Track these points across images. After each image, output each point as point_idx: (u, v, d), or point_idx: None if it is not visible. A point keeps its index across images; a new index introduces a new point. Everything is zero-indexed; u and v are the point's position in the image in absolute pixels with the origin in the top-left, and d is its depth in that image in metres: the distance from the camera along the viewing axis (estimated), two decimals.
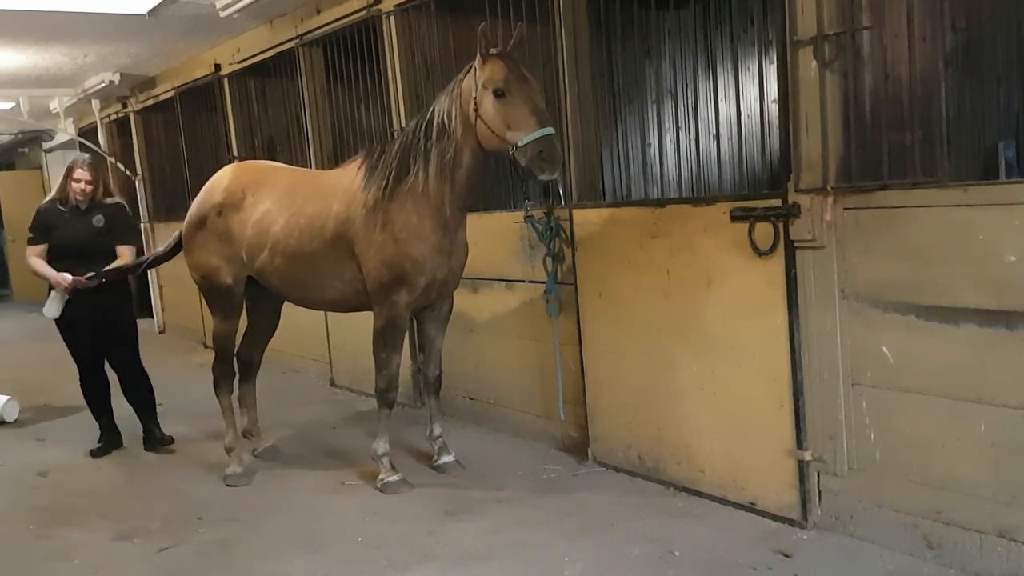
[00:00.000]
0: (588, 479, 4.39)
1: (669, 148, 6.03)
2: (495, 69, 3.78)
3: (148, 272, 10.49)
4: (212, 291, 4.80)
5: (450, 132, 3.96)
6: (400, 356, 4.38)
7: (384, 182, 4.13)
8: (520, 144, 3.71)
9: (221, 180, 4.79)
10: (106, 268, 5.19)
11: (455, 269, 4.36)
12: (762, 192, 4.44)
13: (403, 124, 5.61)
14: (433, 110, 4.05)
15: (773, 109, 5.40)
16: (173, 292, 10.11)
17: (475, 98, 3.84)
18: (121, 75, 9.08)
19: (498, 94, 3.76)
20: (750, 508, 3.78)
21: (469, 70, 3.91)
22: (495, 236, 5.01)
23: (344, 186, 4.34)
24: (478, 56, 3.85)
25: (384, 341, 4.29)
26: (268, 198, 4.56)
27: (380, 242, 4.15)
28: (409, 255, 4.12)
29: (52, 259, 5.22)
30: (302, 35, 6.53)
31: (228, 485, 4.68)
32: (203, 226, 4.72)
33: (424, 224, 4.12)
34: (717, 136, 5.76)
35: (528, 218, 4.43)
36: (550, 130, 3.71)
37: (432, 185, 4.04)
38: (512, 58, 3.82)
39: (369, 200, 4.17)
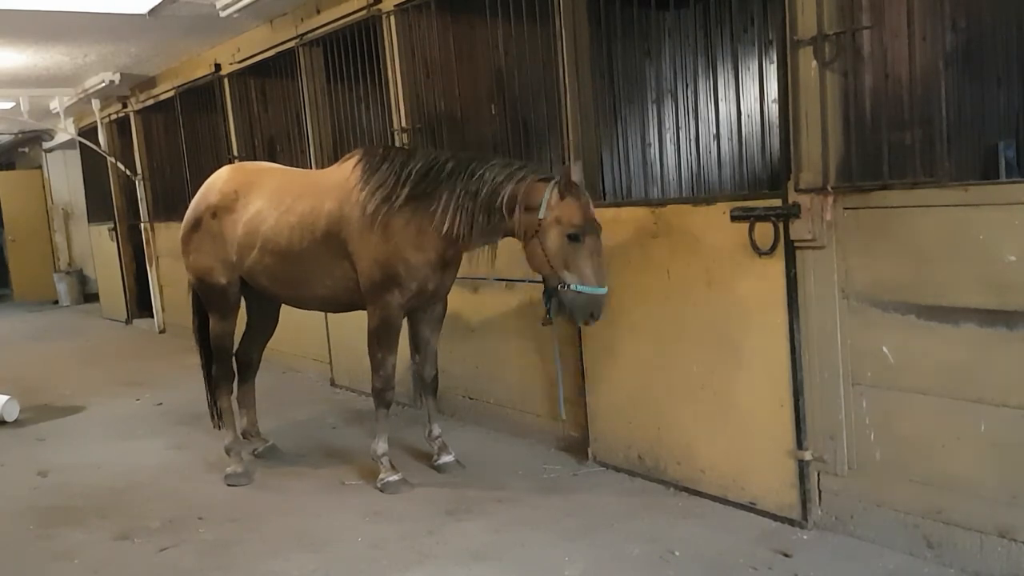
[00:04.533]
0: (588, 479, 4.39)
1: (669, 148, 6.02)
2: (575, 212, 3.78)
3: (148, 272, 10.55)
4: (208, 292, 4.82)
5: (503, 217, 3.94)
6: (395, 356, 4.38)
7: (393, 196, 4.10)
8: (572, 288, 3.78)
9: (216, 182, 4.81)
10: None
11: (446, 281, 4.40)
12: (762, 192, 4.43)
13: (403, 124, 5.62)
14: (483, 176, 3.95)
15: (773, 109, 5.39)
16: (173, 292, 10.09)
17: (541, 220, 3.82)
18: (121, 75, 9.07)
19: (572, 238, 3.77)
20: (750, 508, 3.78)
21: (545, 187, 3.84)
22: None
23: (337, 184, 4.33)
24: (555, 186, 3.81)
25: (379, 341, 4.31)
26: (259, 198, 4.57)
27: (376, 243, 4.17)
28: (403, 258, 4.15)
29: None
30: (302, 35, 6.52)
31: (228, 485, 4.68)
32: (198, 228, 4.74)
33: (428, 247, 4.14)
34: (717, 136, 5.75)
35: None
36: (605, 290, 3.80)
37: (454, 231, 4.02)
38: (590, 205, 3.84)
39: (370, 205, 4.15)
